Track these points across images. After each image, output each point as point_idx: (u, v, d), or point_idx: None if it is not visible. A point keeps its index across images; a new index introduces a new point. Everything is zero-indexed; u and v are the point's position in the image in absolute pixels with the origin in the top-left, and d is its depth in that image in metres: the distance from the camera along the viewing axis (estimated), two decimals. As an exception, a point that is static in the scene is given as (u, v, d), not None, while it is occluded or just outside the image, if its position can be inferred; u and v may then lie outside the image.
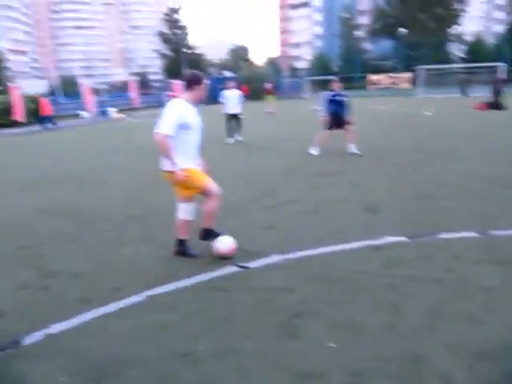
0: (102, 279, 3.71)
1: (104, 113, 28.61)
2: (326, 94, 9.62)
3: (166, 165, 3.88)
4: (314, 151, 9.48)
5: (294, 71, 71.07)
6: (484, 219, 4.74)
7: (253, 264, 3.83)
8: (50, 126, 21.42)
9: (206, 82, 4.06)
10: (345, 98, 9.33)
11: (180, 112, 3.77)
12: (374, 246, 4.11)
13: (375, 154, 9.17)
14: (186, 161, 3.86)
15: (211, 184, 3.95)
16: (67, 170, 9.36)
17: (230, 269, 3.75)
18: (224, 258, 3.93)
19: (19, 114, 22.76)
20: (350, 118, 9.40)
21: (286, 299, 3.20)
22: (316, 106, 23.60)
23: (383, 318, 2.88)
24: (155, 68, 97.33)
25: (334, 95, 9.37)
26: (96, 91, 36.91)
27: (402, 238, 4.26)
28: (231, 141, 12.20)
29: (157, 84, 77.24)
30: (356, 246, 4.15)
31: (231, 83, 12.52)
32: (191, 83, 3.90)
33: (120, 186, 7.46)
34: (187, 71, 4.11)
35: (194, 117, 3.91)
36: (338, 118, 9.31)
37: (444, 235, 4.29)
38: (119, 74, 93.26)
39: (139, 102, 36.42)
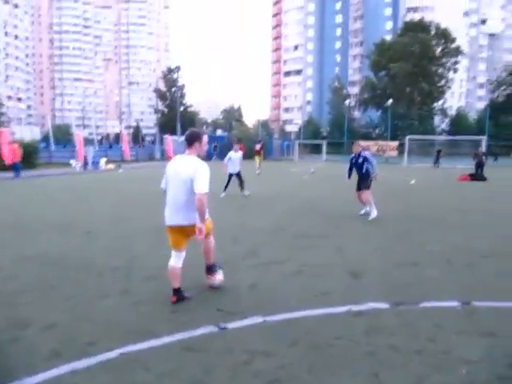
0: (77, 332, 3.58)
1: (94, 163, 28.78)
2: (349, 158, 9.89)
3: (187, 219, 4.09)
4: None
5: (284, 134, 73.28)
6: (466, 289, 4.76)
7: (232, 325, 3.75)
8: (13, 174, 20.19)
9: (206, 138, 4.27)
10: (361, 160, 9.39)
11: None
12: (356, 312, 4.07)
13: (362, 219, 9.29)
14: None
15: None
16: (51, 218, 9.26)
17: (208, 328, 3.66)
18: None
19: (7, 159, 22.68)
20: (368, 183, 9.37)
21: (265, 363, 3.11)
22: (313, 169, 24.35)
23: (363, 387, 2.81)
24: (149, 122, 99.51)
25: (352, 158, 9.65)
26: (88, 141, 37.38)
27: (385, 305, 4.23)
28: (223, 195, 12.60)
29: (149, 138, 78.48)
30: (338, 310, 4.10)
31: (236, 146, 13.35)
32: (193, 140, 4.15)
33: (105, 236, 7.37)
34: (190, 130, 4.33)
35: None
36: (358, 181, 9.56)
37: (426, 304, 4.27)
38: (113, 127, 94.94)
39: (130, 154, 36.84)
